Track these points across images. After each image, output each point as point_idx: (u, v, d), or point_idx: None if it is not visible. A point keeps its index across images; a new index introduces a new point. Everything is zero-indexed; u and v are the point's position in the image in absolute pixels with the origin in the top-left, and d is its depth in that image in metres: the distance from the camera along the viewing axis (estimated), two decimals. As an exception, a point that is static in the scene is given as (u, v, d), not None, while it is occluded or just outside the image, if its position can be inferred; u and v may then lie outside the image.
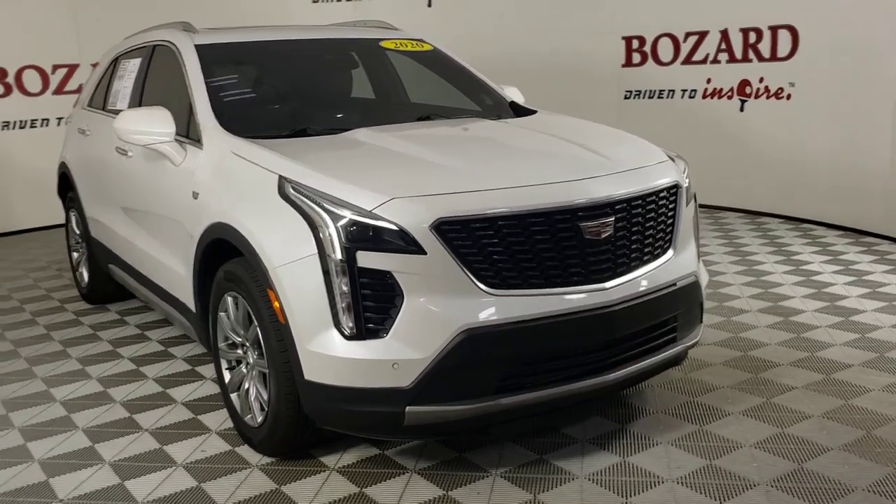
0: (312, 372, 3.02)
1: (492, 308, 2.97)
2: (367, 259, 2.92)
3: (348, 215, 2.94)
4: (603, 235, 3.13)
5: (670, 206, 3.47)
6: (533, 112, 4.50)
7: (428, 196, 2.99)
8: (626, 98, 8.72)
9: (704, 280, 3.69)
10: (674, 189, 3.50)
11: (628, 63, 8.64)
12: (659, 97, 8.51)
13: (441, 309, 2.93)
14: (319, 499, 3.11)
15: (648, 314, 3.30)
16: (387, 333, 2.93)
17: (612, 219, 3.16)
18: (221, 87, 4.07)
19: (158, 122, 3.84)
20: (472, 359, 2.95)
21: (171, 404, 4.04)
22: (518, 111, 4.53)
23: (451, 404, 2.97)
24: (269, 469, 3.36)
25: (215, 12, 8.86)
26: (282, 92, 4.36)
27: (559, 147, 3.68)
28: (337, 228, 2.93)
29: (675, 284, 3.38)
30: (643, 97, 8.62)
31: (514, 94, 4.78)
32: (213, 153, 3.68)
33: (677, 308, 3.43)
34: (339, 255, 2.91)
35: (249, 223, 3.24)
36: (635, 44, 8.54)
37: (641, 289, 3.24)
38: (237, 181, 3.46)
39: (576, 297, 3.08)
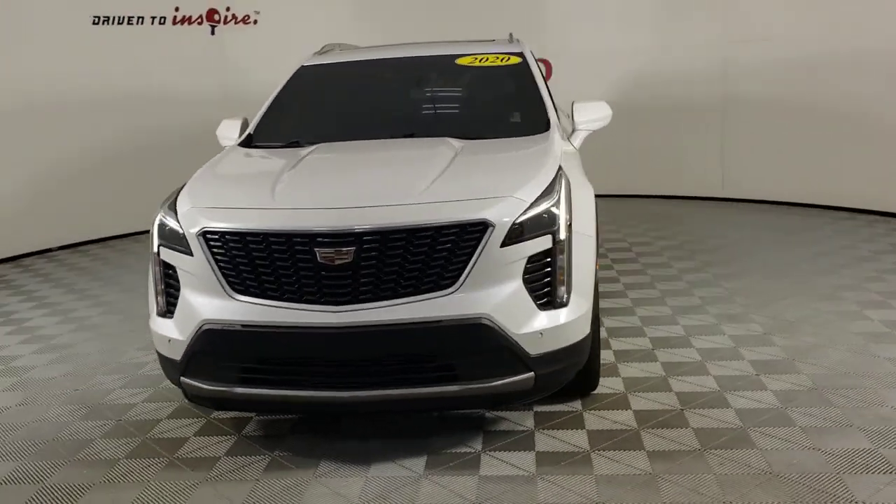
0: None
1: (231, 310, 3.48)
2: (165, 254, 3.70)
3: (167, 217, 3.74)
4: (337, 262, 3.34)
5: (465, 244, 3.39)
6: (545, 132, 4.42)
7: (209, 208, 3.62)
8: None
9: (538, 325, 3.44)
10: (478, 227, 3.40)
11: None
12: None
13: (197, 302, 3.56)
14: (167, 435, 4.01)
15: (394, 345, 3.37)
16: (172, 315, 3.68)
17: (353, 248, 3.34)
18: (286, 100, 4.99)
19: (228, 129, 4.96)
20: (210, 349, 3.53)
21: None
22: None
23: (203, 383, 3.60)
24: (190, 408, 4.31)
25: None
26: (324, 107, 5.08)
27: (405, 173, 3.79)
28: (158, 226, 3.76)
29: (439, 322, 3.35)
30: None
31: (584, 111, 4.70)
32: None
33: (447, 346, 3.39)
34: (155, 248, 3.75)
35: None
36: None
37: (386, 318, 3.34)
38: None
39: (302, 314, 3.38)
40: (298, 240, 3.39)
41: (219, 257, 3.52)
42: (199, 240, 3.53)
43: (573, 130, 4.78)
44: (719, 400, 4.04)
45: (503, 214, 3.42)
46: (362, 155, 4.27)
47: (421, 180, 3.62)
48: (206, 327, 3.50)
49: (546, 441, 3.71)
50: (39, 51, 8.41)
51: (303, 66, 5.30)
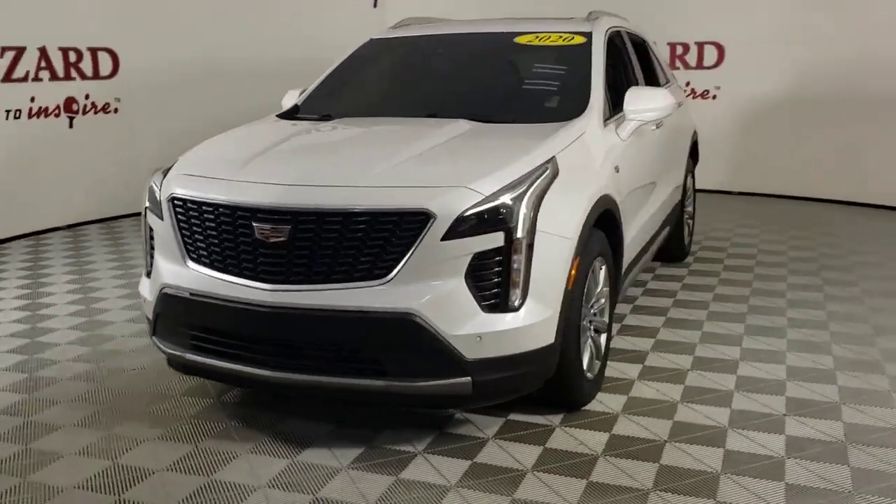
0: None
1: (186, 277, 3.53)
2: (149, 217, 3.82)
3: (155, 181, 3.85)
4: (272, 240, 3.28)
5: (403, 233, 3.19)
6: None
7: (183, 175, 3.68)
8: None
9: (478, 328, 3.18)
10: (419, 217, 3.19)
11: None
12: None
13: (163, 265, 3.65)
14: (156, 390, 4.17)
15: (319, 330, 3.26)
16: (150, 276, 3.81)
17: (289, 227, 3.25)
18: (343, 72, 4.98)
19: (290, 99, 5.03)
20: (167, 313, 3.62)
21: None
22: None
23: (164, 345, 3.70)
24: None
25: None
26: (372, 81, 4.97)
27: (374, 154, 3.64)
28: (148, 189, 3.88)
29: (366, 313, 3.19)
30: None
31: (636, 99, 4.29)
32: None
33: (372, 338, 3.23)
34: (143, 211, 3.89)
35: None
36: None
37: (314, 302, 3.23)
38: None
39: (240, 290, 3.35)
40: (241, 213, 3.37)
41: (181, 224, 3.57)
42: (167, 205, 3.61)
43: (624, 120, 4.35)
44: (717, 437, 3.54)
45: (449, 205, 3.19)
46: (356, 132, 4.16)
47: (384, 163, 3.46)
48: (164, 291, 3.58)
49: (492, 453, 3.44)
50: (204, 19, 8.93)
51: (371, 38, 5.24)
